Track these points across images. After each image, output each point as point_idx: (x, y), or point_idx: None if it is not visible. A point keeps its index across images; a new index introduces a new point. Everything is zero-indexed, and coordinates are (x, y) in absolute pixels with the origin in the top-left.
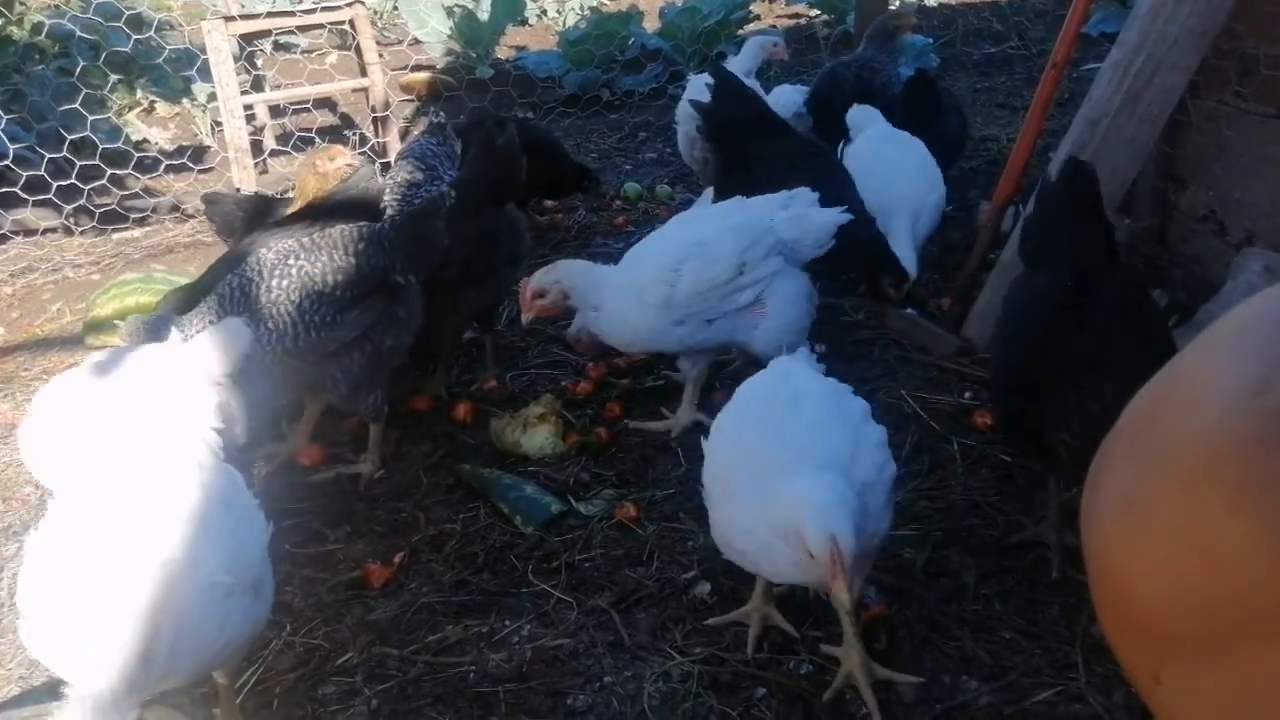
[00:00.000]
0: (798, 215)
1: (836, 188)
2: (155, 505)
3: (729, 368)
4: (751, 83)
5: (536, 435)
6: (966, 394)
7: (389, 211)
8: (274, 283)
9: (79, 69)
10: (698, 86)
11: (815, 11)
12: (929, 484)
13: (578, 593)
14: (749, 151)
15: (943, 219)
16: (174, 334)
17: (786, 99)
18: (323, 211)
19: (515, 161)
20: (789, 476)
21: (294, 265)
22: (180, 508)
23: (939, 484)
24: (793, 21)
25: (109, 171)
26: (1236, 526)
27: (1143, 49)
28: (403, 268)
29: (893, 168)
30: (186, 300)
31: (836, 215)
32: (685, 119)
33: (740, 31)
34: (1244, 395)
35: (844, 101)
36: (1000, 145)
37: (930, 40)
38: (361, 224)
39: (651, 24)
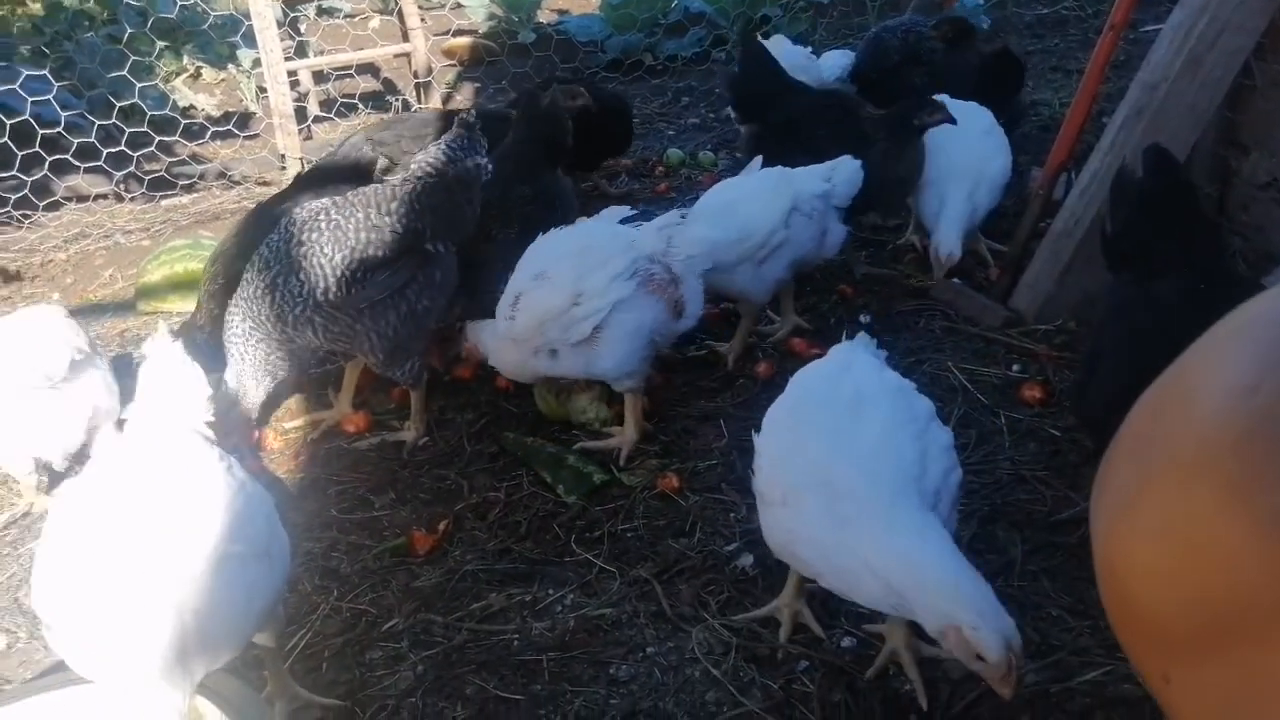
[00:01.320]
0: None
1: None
2: (153, 494)
3: (771, 339)
4: (793, 51)
5: (580, 400)
6: (1014, 366)
7: (421, 177)
8: (306, 236)
9: (126, 36)
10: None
11: None
12: (975, 458)
13: (620, 562)
14: (773, 122)
15: (1005, 190)
16: (163, 328)
17: (834, 64)
18: (317, 179)
19: (561, 123)
20: (880, 522)
21: (325, 220)
22: (178, 491)
23: (986, 458)
24: None
25: (157, 138)
26: (1228, 525)
27: (1207, 9)
28: (433, 234)
29: (951, 135)
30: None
31: (710, 231)
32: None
33: None
34: (1236, 395)
35: (890, 68)
36: (1053, 110)
37: (981, 1)
38: (396, 183)
39: None
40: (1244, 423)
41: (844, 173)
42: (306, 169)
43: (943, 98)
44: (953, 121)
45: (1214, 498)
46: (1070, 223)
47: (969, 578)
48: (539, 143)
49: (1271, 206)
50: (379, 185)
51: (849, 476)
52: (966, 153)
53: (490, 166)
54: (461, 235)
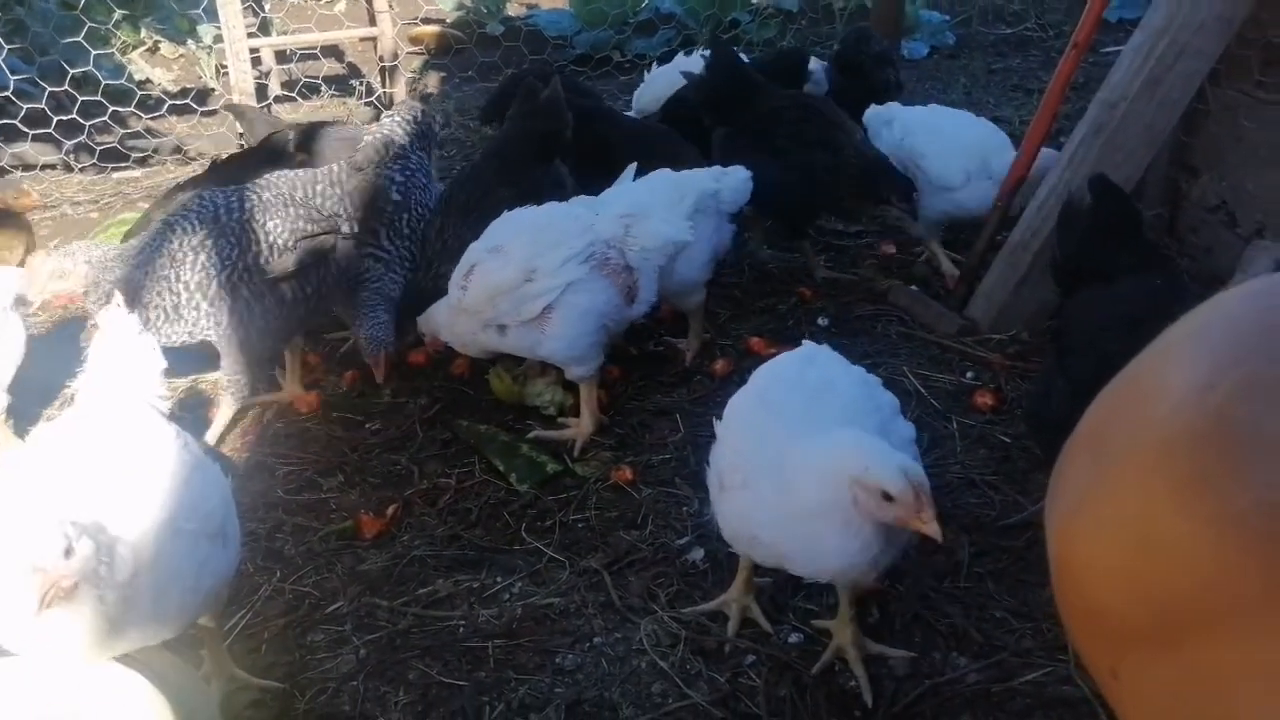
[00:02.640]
0: (631, 214)
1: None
2: (105, 466)
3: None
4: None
5: (537, 384)
6: (968, 373)
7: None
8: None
9: (82, 3)
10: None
11: None
12: (927, 461)
13: (570, 552)
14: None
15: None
16: (116, 299)
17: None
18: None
19: (560, 117)
20: (821, 437)
21: (253, 195)
22: (131, 464)
23: (937, 462)
24: None
25: (110, 109)
26: (1182, 522)
27: (1167, 32)
28: (349, 215)
29: (955, 119)
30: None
31: (671, 230)
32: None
33: (755, 0)
34: (1192, 392)
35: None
36: (1013, 127)
37: (946, 18)
38: (322, 168)
39: None
40: (1198, 422)
41: (733, 180)
42: (223, 157)
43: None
44: None
45: (1167, 496)
46: (1027, 235)
47: (864, 438)
48: (533, 139)
49: (1220, 229)
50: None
51: (807, 435)
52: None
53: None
54: (374, 221)
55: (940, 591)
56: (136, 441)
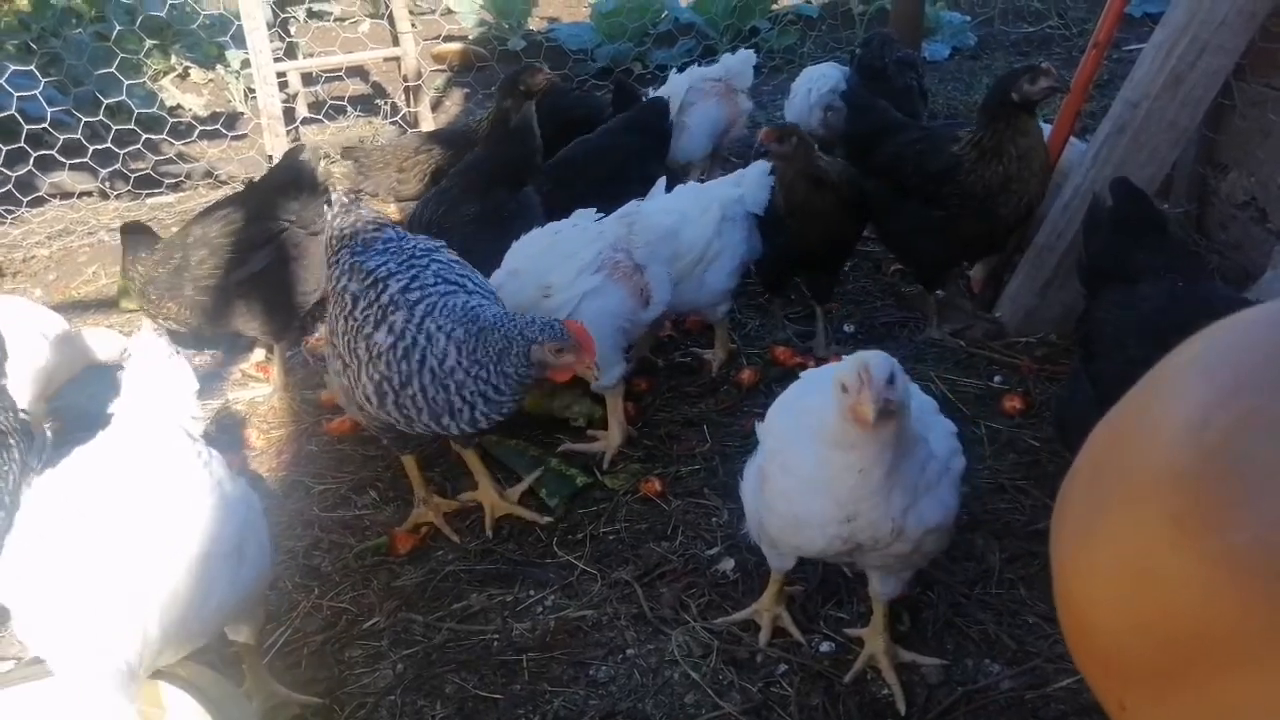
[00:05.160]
0: (628, 215)
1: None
2: (125, 489)
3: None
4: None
5: (566, 395)
6: (996, 378)
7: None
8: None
9: (115, 33)
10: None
11: None
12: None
13: (601, 565)
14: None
15: None
16: (147, 324)
17: (824, 77)
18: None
19: (528, 142)
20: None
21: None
22: (149, 486)
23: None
24: None
25: (144, 136)
26: (1181, 560)
27: (1188, 29)
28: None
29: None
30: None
31: (670, 220)
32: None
33: (774, 7)
34: (1188, 429)
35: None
36: None
37: (967, 18)
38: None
39: None
40: (1192, 459)
41: (752, 175)
42: (245, 186)
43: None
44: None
45: (1163, 533)
46: (1053, 237)
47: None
48: (500, 161)
49: (1249, 225)
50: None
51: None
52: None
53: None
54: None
55: (972, 598)
56: (157, 463)
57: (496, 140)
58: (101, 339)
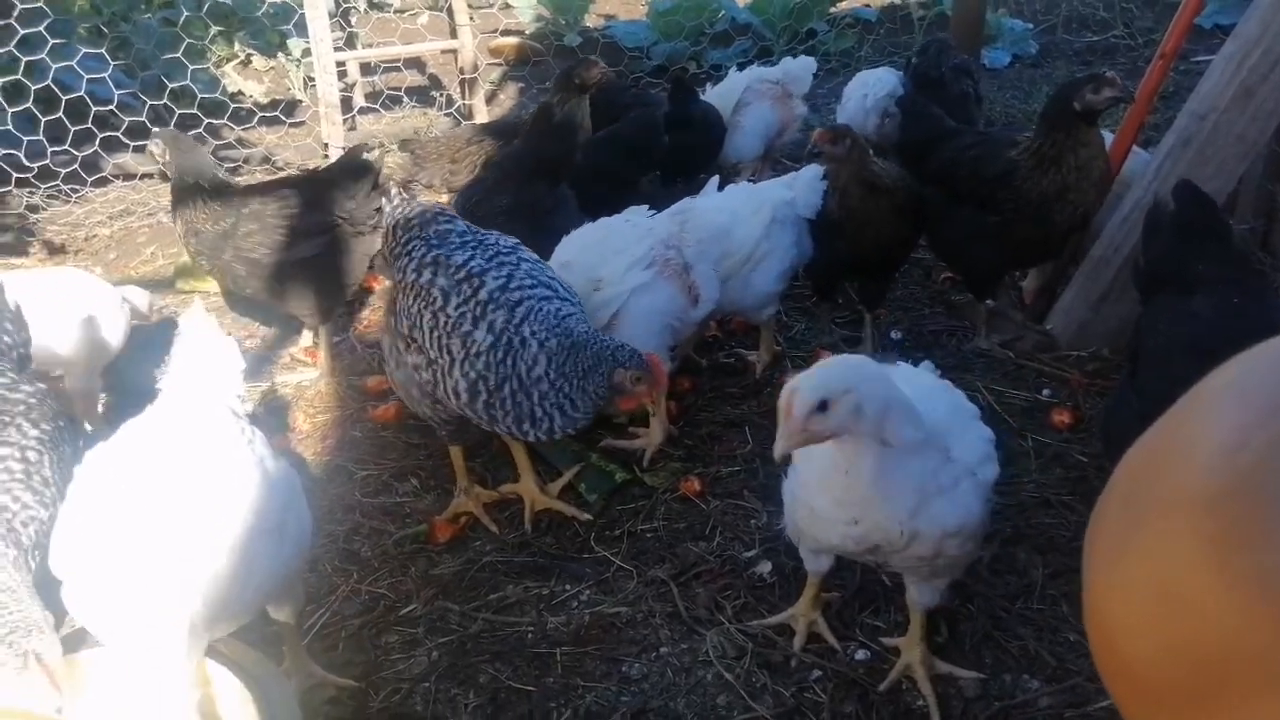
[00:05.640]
0: (681, 212)
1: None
2: (171, 465)
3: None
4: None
5: None
6: (1045, 391)
7: None
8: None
9: (182, 19)
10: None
11: None
12: (1000, 480)
13: (638, 562)
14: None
15: None
16: (198, 304)
17: (879, 82)
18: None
19: (568, 140)
20: None
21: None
22: (195, 463)
23: (1010, 480)
24: (887, 1)
25: (205, 121)
26: (1214, 581)
27: (1261, 41)
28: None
29: None
30: None
31: (722, 218)
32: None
33: (833, 9)
34: (1223, 451)
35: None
36: None
37: (1029, 25)
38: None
39: None
40: (1227, 481)
41: (804, 179)
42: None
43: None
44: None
45: (1197, 554)
46: (1109, 250)
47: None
48: (539, 155)
49: None
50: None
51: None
52: None
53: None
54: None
55: (1012, 613)
56: (202, 439)
57: (539, 135)
58: (135, 295)
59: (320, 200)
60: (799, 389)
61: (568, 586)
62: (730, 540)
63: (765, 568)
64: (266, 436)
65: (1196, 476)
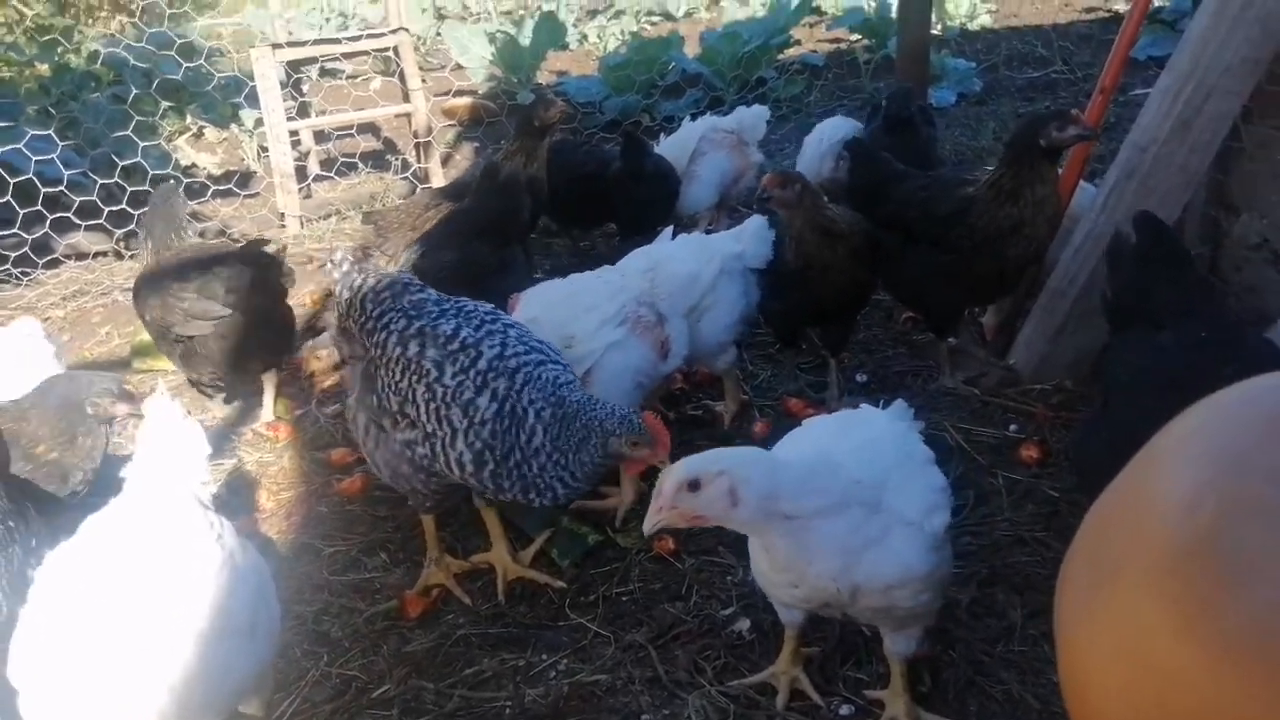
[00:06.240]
0: (652, 267)
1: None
2: (138, 566)
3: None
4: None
5: None
6: (1012, 426)
7: None
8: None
9: (131, 96)
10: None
11: (856, 36)
12: (973, 520)
13: (615, 627)
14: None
15: None
16: (161, 387)
17: (836, 127)
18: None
19: (515, 198)
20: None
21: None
22: (163, 564)
23: (983, 520)
24: (833, 46)
25: None
26: (1179, 645)
27: (1194, 75)
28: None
29: None
30: None
31: (690, 266)
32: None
33: (780, 57)
34: (1181, 509)
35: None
36: None
37: (973, 64)
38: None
39: (692, 49)
40: (1186, 541)
41: (750, 231)
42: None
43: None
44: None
45: (1163, 617)
46: (1064, 283)
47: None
48: (484, 214)
49: (1263, 267)
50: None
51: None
52: None
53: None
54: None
55: (994, 656)
56: (169, 537)
57: (484, 193)
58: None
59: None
60: (673, 468)
61: (544, 656)
62: (707, 599)
63: (744, 625)
64: (232, 519)
65: (1157, 536)
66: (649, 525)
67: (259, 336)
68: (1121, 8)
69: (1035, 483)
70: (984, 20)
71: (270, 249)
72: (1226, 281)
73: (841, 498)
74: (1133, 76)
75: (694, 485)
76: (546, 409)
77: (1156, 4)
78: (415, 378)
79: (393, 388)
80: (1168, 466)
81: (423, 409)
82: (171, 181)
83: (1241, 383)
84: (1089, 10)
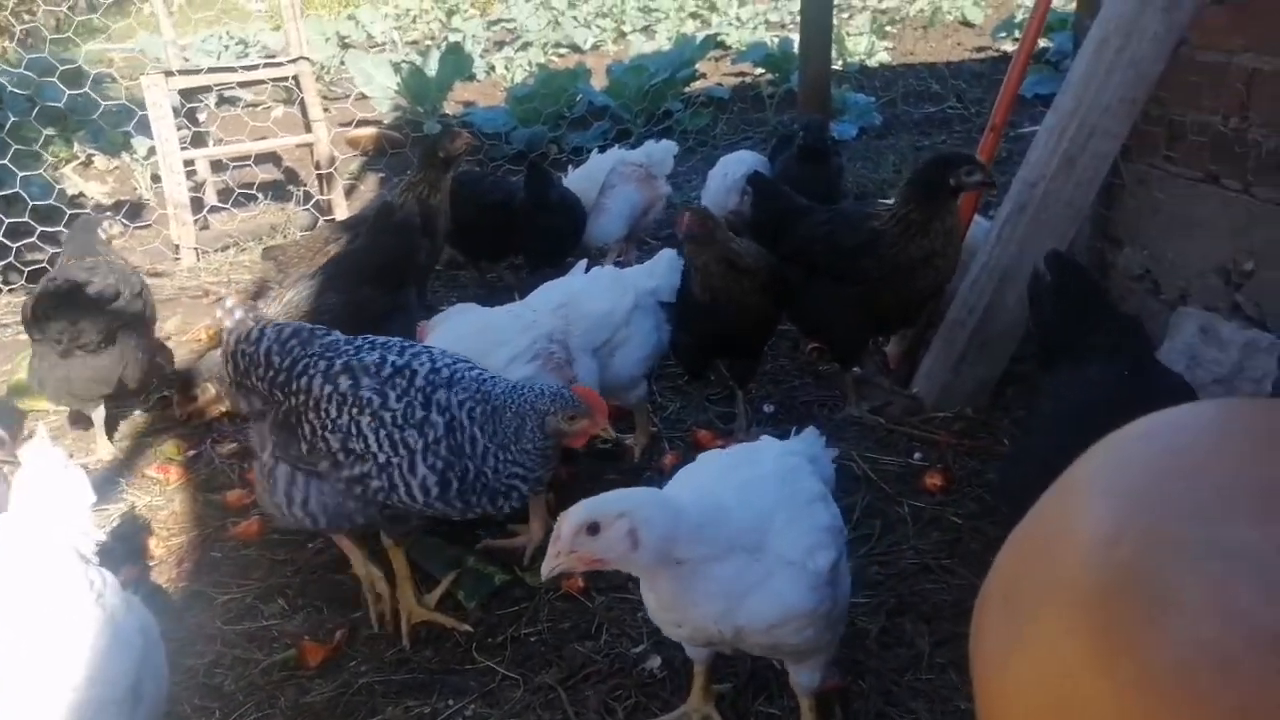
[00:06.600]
0: (565, 302)
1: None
2: (11, 627)
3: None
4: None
5: None
6: (916, 454)
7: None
8: None
9: (9, 123)
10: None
11: (760, 70)
12: (880, 549)
13: (524, 669)
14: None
15: None
16: (41, 430)
17: (740, 161)
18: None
19: (409, 239)
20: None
21: None
22: (34, 627)
23: (890, 548)
24: (738, 80)
25: (39, 228)
26: (1103, 683)
27: (1076, 114)
28: None
29: None
30: None
31: (604, 303)
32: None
33: (686, 90)
34: (1098, 545)
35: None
36: None
37: (872, 99)
38: None
39: (599, 82)
40: (1108, 575)
41: (663, 265)
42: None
43: None
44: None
45: (1085, 656)
46: (963, 313)
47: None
48: (376, 255)
49: (1146, 297)
50: None
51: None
52: None
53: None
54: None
55: (903, 685)
56: (42, 597)
57: (378, 231)
58: None
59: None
60: (571, 510)
61: (451, 702)
62: (617, 636)
63: (655, 663)
64: (117, 569)
65: (1074, 575)
66: (546, 570)
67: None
68: (1009, 48)
69: (940, 510)
70: (882, 57)
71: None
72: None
73: (728, 544)
74: (1020, 113)
75: (593, 529)
76: (476, 407)
77: (1041, 45)
78: (355, 410)
79: (328, 427)
80: (1082, 501)
81: (371, 439)
82: (91, 213)
83: (1144, 418)
84: (979, 50)
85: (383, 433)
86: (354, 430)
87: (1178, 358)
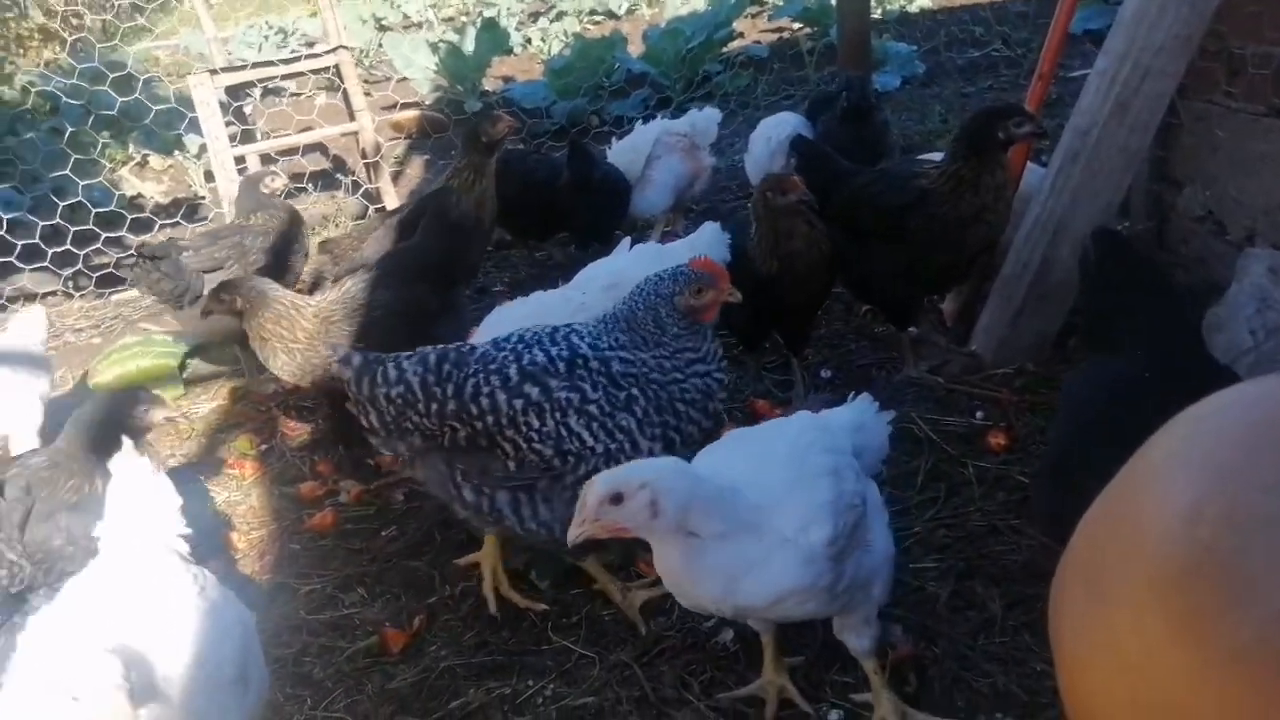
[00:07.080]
0: (614, 283)
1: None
2: (123, 625)
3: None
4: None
5: None
6: (978, 413)
7: None
8: None
9: (69, 132)
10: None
11: (799, 25)
12: (947, 511)
13: (599, 647)
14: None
15: None
16: (127, 443)
17: (781, 123)
18: None
19: (462, 235)
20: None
21: None
22: (147, 622)
23: (956, 511)
24: (776, 36)
25: (103, 234)
26: (1181, 661)
27: (1129, 56)
28: None
29: None
30: None
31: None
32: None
33: (724, 51)
34: (1178, 523)
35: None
36: None
37: (914, 48)
38: None
39: (635, 48)
40: (1189, 555)
41: (705, 237)
42: None
43: None
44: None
45: (1165, 632)
46: (1018, 267)
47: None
48: (431, 254)
49: (1209, 239)
50: None
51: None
52: None
53: None
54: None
55: (977, 649)
56: (152, 595)
57: (434, 232)
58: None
59: None
60: (594, 481)
61: (530, 682)
62: (689, 612)
63: (727, 635)
64: (207, 564)
65: (1154, 553)
66: (572, 536)
67: None
68: None
69: (1005, 469)
70: (923, 3)
71: None
72: (1175, 254)
73: (738, 523)
74: (1069, 52)
75: (617, 499)
76: (618, 336)
77: None
78: (560, 414)
79: (534, 439)
80: (1161, 479)
81: (586, 436)
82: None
83: (1219, 393)
84: None
85: (595, 425)
86: (564, 433)
87: (1246, 300)
